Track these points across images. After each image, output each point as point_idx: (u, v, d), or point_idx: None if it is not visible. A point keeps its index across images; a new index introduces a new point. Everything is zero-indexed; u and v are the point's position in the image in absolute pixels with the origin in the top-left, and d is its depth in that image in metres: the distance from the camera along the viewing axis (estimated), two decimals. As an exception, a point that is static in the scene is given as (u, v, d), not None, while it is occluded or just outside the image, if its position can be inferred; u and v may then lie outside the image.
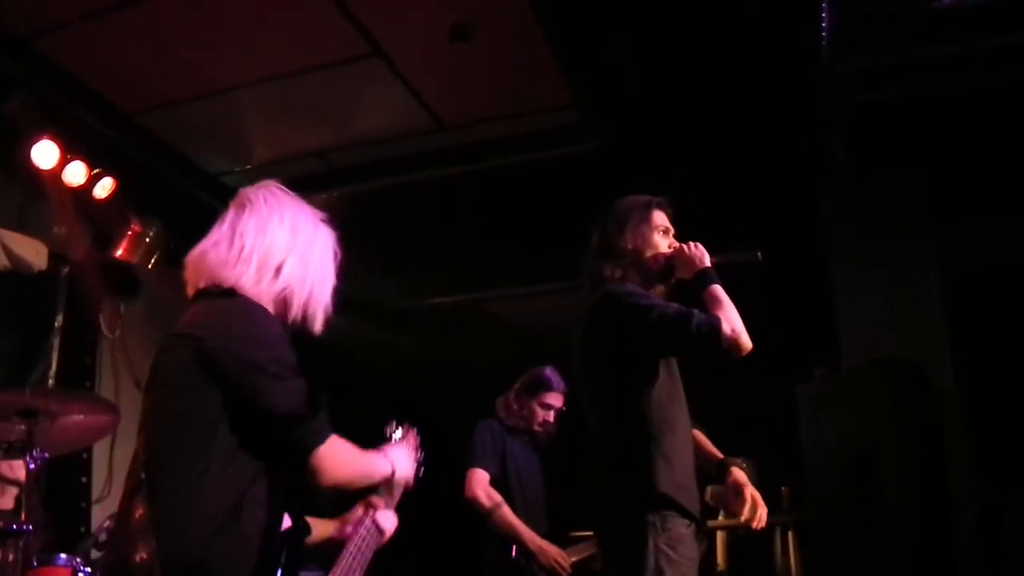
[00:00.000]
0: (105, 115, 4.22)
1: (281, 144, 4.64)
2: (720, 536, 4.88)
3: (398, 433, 2.35)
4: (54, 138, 4.00)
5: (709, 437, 2.69)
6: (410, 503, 2.31)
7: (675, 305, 2.36)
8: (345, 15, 3.60)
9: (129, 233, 4.57)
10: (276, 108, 4.30)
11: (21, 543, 2.82)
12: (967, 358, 4.19)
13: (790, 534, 4.73)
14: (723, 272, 2.45)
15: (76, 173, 4.16)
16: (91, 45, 3.75)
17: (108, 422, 3.31)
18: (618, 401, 2.42)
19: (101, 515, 3.93)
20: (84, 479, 4.39)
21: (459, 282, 5.88)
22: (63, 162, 4.08)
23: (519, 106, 4.26)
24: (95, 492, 4.41)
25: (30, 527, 2.85)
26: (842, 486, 3.93)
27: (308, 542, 1.90)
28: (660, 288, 2.58)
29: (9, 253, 3.96)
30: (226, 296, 1.84)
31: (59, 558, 2.93)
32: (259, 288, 1.86)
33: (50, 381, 4.34)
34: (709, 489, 4.94)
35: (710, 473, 2.57)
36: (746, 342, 2.27)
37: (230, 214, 1.95)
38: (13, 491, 3.23)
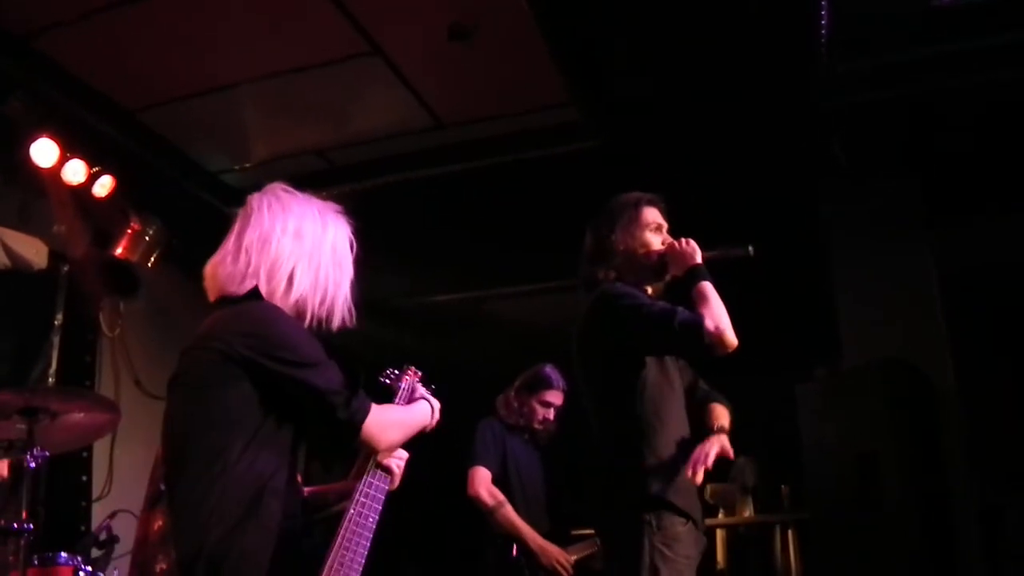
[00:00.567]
0: (104, 113, 4.21)
1: (280, 142, 4.63)
2: (720, 535, 4.89)
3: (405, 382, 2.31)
4: (53, 136, 4.00)
5: (709, 434, 2.69)
6: (410, 503, 2.31)
7: (661, 303, 2.38)
8: (344, 14, 3.59)
9: (129, 231, 4.56)
10: (275, 106, 4.30)
11: (22, 542, 2.82)
12: (967, 357, 4.19)
13: (790, 533, 4.74)
14: (715, 267, 2.46)
15: (76, 171, 4.15)
16: (90, 43, 3.74)
17: (108, 420, 3.32)
18: (612, 400, 2.44)
19: (101, 513, 3.93)
20: (84, 477, 4.40)
21: (459, 280, 5.88)
22: (62, 160, 4.08)
23: (518, 105, 4.25)
24: (95, 490, 4.42)
25: (31, 526, 2.85)
26: (842, 485, 3.93)
27: (325, 514, 1.96)
28: (657, 286, 2.59)
29: (9, 251, 3.96)
30: (245, 300, 1.86)
31: (60, 556, 2.94)
32: (273, 299, 1.88)
33: (50, 380, 4.34)
34: (708, 487, 4.97)
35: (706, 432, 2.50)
36: (731, 339, 2.27)
37: (237, 224, 1.96)
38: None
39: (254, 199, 1.99)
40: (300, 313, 1.91)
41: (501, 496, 3.60)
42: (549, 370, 3.86)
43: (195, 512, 1.66)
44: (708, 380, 2.78)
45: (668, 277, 2.55)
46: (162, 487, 1.77)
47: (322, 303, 1.93)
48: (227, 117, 4.36)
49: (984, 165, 4.35)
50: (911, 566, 3.58)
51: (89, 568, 3.00)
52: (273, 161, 4.71)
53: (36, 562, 2.89)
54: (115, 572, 3.29)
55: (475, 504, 3.61)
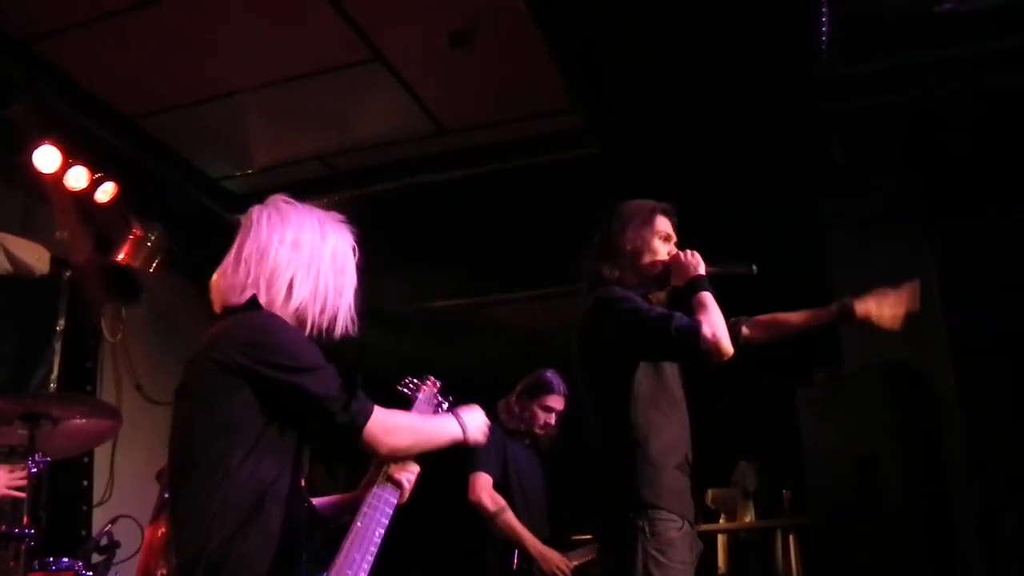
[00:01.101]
0: (107, 119, 4.22)
1: (282, 148, 4.65)
2: (720, 539, 4.89)
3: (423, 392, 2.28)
4: (56, 142, 4.01)
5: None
6: (415, 507, 2.30)
7: (659, 309, 2.39)
8: (345, 20, 3.61)
9: (131, 237, 4.58)
10: (277, 112, 4.31)
11: (23, 547, 2.83)
12: (967, 359, 4.19)
13: (791, 537, 4.74)
14: (718, 282, 2.46)
15: (78, 177, 4.17)
16: (92, 49, 3.76)
17: (109, 426, 3.32)
18: (607, 406, 2.45)
19: (102, 519, 3.94)
20: (85, 483, 4.40)
21: (459, 286, 5.89)
22: (65, 166, 4.10)
23: (519, 110, 4.27)
24: (96, 496, 4.42)
25: (32, 531, 2.86)
26: (843, 489, 3.93)
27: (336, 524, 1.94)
28: (660, 295, 2.60)
29: (11, 257, 3.97)
30: (244, 309, 1.87)
31: (61, 561, 2.94)
32: (273, 308, 1.89)
33: (52, 385, 4.35)
34: (710, 492, 4.97)
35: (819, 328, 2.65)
36: (727, 347, 2.27)
37: (238, 236, 1.97)
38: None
39: (255, 211, 2.00)
40: (301, 321, 1.92)
41: (502, 501, 3.60)
42: (550, 375, 3.86)
43: (197, 518, 1.67)
44: (708, 385, 2.79)
45: (669, 287, 2.57)
46: (166, 495, 1.78)
47: (323, 311, 1.93)
48: (229, 123, 4.37)
49: (984, 166, 4.36)
50: (911, 568, 3.58)
51: (90, 573, 3.00)
52: (275, 167, 4.73)
53: (37, 567, 2.89)
54: (116, 577, 3.29)
55: (476, 509, 3.61)
